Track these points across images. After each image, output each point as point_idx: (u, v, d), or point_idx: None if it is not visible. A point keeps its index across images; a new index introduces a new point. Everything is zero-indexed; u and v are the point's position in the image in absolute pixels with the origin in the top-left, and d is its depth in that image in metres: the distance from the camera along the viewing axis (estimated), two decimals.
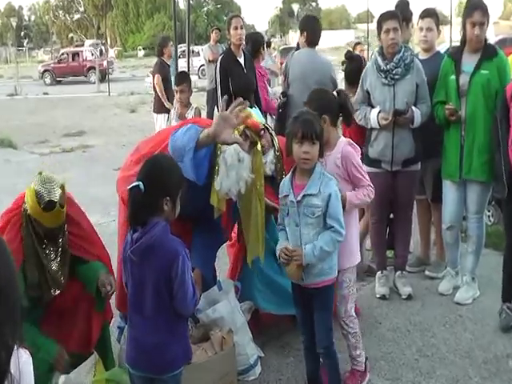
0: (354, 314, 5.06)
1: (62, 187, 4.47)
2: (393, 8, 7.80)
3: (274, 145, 5.70)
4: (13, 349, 2.49)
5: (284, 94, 8.13)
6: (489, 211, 8.07)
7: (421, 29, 6.97)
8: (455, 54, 6.43)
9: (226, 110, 4.79)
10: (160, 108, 12.25)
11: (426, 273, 7.28)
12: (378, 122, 6.30)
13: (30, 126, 22.06)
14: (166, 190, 3.88)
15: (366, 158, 6.32)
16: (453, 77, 6.30)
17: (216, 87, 8.68)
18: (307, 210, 4.50)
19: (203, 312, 5.27)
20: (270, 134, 5.74)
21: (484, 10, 6.14)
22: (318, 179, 4.52)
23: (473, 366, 5.37)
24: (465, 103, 6.22)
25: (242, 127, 4.95)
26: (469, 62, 6.25)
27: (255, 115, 5.27)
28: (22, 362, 2.52)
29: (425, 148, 6.53)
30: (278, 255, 4.65)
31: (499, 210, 7.54)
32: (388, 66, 6.32)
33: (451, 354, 5.58)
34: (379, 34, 6.42)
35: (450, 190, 6.55)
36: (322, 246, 4.45)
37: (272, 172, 5.69)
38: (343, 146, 5.00)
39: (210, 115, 15.45)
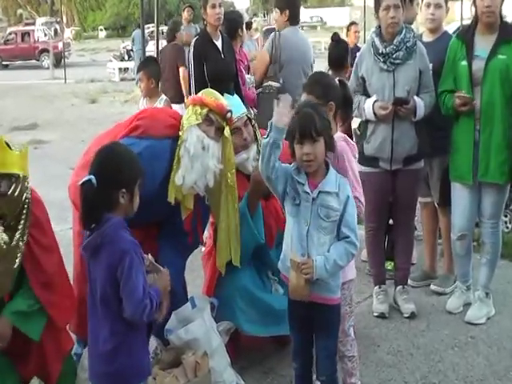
0: (352, 335, 5.06)
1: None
2: None
3: (257, 139, 5.72)
4: None
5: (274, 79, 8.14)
6: (505, 216, 8.07)
7: (427, 5, 6.87)
8: (466, 35, 6.33)
9: None
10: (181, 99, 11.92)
11: (432, 287, 7.28)
12: (375, 113, 6.26)
13: None
14: (121, 182, 3.92)
15: (360, 157, 6.13)
16: (464, 62, 6.22)
17: (189, 72, 8.66)
18: (322, 210, 4.33)
19: (174, 333, 5.26)
20: (253, 126, 5.76)
21: None
22: (335, 178, 4.42)
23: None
24: (479, 93, 6.14)
25: (205, 111, 5.10)
26: (482, 44, 6.18)
27: (220, 97, 5.32)
28: None
29: (430, 144, 6.51)
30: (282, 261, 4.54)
31: None
32: (387, 49, 6.26)
33: (461, 382, 5.59)
34: (377, 11, 6.33)
35: (460, 193, 6.49)
36: (335, 259, 4.31)
37: (254, 169, 5.70)
38: (339, 142, 4.87)
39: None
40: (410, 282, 7.15)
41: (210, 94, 5.28)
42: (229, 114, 5.23)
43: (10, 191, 4.48)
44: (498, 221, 6.55)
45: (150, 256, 4.26)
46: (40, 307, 4.69)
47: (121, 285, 3.84)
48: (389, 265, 7.42)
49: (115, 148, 4.25)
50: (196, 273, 6.21)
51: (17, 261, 4.61)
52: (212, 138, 5.15)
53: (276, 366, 5.83)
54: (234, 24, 9.85)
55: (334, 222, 4.35)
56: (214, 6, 8.55)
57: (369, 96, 6.36)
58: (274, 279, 5.91)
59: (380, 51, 6.29)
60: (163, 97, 8.80)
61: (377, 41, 6.34)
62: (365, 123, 6.49)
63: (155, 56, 12.30)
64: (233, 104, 5.76)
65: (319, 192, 4.33)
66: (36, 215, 4.73)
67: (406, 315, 6.67)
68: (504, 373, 5.68)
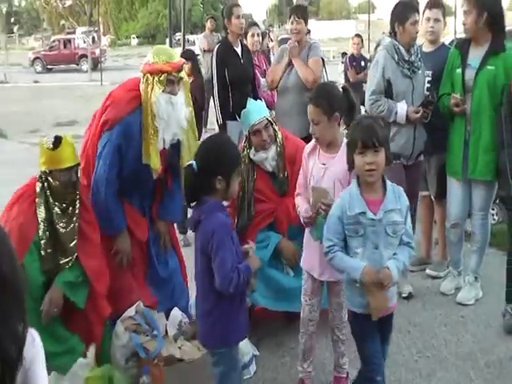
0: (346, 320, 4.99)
1: (66, 137, 4.86)
2: None
3: (276, 140, 5.73)
4: (23, 341, 2.64)
5: None
6: (493, 210, 8.05)
7: (428, 19, 6.89)
8: (462, 46, 6.40)
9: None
10: None
11: (428, 272, 7.27)
12: (407, 117, 6.29)
13: (20, 115, 22.01)
14: (218, 170, 3.98)
15: None
16: (459, 70, 6.29)
17: (212, 77, 8.65)
18: (389, 228, 4.07)
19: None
20: (274, 128, 5.76)
21: (469, 2, 6.15)
22: (393, 192, 4.18)
23: (475, 369, 5.36)
24: (470, 99, 6.19)
25: (164, 76, 5.04)
26: (475, 55, 6.23)
27: (169, 53, 5.21)
28: (34, 345, 2.73)
29: (429, 143, 6.59)
30: (357, 279, 4.08)
31: (504, 208, 7.52)
32: (412, 58, 6.33)
33: (452, 356, 5.58)
34: (403, 24, 6.33)
35: (454, 187, 6.55)
36: (404, 261, 4.16)
37: (273, 168, 5.73)
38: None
39: (206, 106, 15.47)
40: (409, 267, 7.08)
41: (161, 56, 5.08)
42: (184, 65, 5.26)
43: (77, 178, 4.87)
44: (486, 213, 6.55)
45: (251, 243, 4.35)
46: (84, 279, 4.87)
47: (212, 258, 3.94)
48: None
49: (217, 140, 4.40)
50: None
51: (74, 242, 4.86)
52: (176, 91, 5.14)
53: (287, 340, 5.83)
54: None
55: (400, 235, 4.15)
56: (238, 17, 8.53)
57: (391, 98, 6.36)
58: (286, 263, 5.91)
59: (406, 58, 6.32)
60: None
61: (402, 49, 6.33)
62: (387, 124, 6.38)
63: None
64: (255, 108, 5.83)
65: (385, 211, 4.06)
66: (81, 196, 4.95)
67: (404, 295, 6.64)
68: (490, 348, 5.68)
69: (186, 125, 5.29)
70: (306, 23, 8.07)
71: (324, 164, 4.66)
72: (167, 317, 5.27)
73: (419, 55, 6.43)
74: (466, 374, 5.30)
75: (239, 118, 6.12)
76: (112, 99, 5.37)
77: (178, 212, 5.75)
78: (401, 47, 6.34)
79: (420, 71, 6.44)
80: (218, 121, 8.41)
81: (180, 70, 5.17)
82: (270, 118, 5.84)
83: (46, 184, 4.78)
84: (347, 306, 4.53)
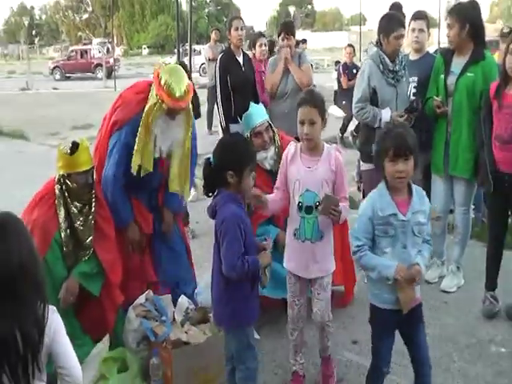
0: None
1: (81, 140, 4.85)
2: (386, 10, 7.78)
3: (275, 142, 5.78)
4: (43, 324, 2.85)
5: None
6: (474, 204, 8.04)
7: (413, 30, 6.96)
8: (446, 55, 6.45)
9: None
10: None
11: None
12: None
13: (41, 118, 22.02)
14: (229, 165, 4.04)
15: (367, 157, 6.41)
16: (442, 76, 6.36)
17: (215, 84, 8.66)
18: (415, 228, 4.01)
19: (203, 295, 5.28)
20: (273, 131, 5.82)
21: (453, 14, 6.24)
22: (417, 193, 4.10)
23: (456, 351, 5.37)
24: (451, 102, 6.26)
25: (165, 107, 4.98)
26: (457, 63, 6.29)
27: (176, 91, 5.00)
28: (54, 321, 2.95)
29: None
30: (389, 277, 3.97)
31: (484, 203, 7.51)
32: (397, 67, 6.31)
33: (436, 339, 5.56)
34: (387, 36, 6.30)
35: (438, 183, 6.60)
36: (427, 257, 4.13)
37: (271, 167, 5.78)
38: (334, 151, 4.66)
39: (211, 111, 15.46)
40: None
41: (171, 87, 4.94)
42: (184, 108, 5.07)
43: (93, 180, 4.91)
44: (467, 208, 6.59)
45: (269, 240, 4.44)
46: (98, 270, 4.91)
47: (220, 245, 4.03)
48: None
49: (232, 138, 4.64)
50: None
51: (90, 237, 4.90)
52: (173, 117, 5.13)
53: (285, 324, 5.76)
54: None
55: (424, 234, 4.10)
56: (236, 29, 8.54)
57: (376, 106, 6.35)
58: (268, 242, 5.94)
59: (391, 68, 6.30)
60: None
61: (387, 59, 6.31)
62: (369, 129, 6.42)
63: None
64: (257, 111, 5.91)
65: (412, 213, 3.98)
66: (97, 194, 4.99)
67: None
68: (471, 331, 5.70)
69: (182, 145, 5.31)
70: (294, 37, 8.41)
71: (309, 167, 4.58)
72: (175, 304, 5.27)
73: (403, 64, 6.42)
74: (448, 355, 5.31)
75: (241, 120, 6.13)
76: (122, 101, 5.39)
77: (179, 204, 5.76)
78: (386, 57, 6.31)
79: (404, 79, 6.45)
80: (221, 124, 8.43)
81: (186, 108, 5.12)
82: (269, 121, 5.87)
83: (64, 186, 4.80)
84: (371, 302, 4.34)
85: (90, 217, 4.91)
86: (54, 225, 4.76)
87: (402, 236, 3.98)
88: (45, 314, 2.89)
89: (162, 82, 4.94)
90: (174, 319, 5.12)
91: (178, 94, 4.92)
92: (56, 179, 4.84)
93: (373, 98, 6.34)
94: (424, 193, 4.17)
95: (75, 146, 4.72)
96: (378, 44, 6.43)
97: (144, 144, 5.09)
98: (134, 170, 5.13)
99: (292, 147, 4.73)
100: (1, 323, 2.75)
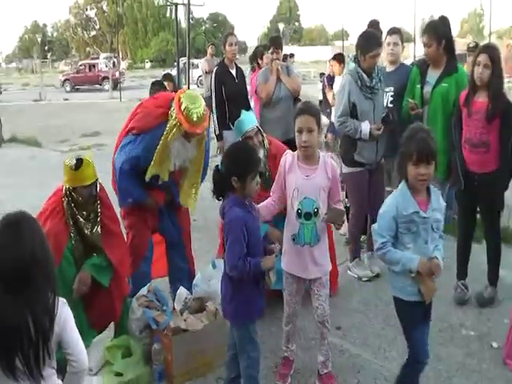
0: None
1: (86, 156, 4.84)
2: (365, 27, 7.81)
3: (264, 145, 5.82)
4: (54, 313, 2.90)
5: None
6: (446, 202, 8.07)
7: (388, 44, 7.01)
8: (422, 66, 6.52)
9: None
10: None
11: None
12: (370, 134, 6.28)
13: (53, 127, 21.96)
14: (233, 171, 3.96)
15: (349, 162, 6.49)
16: (418, 86, 6.42)
17: (211, 94, 8.69)
18: (434, 224, 3.97)
19: (200, 286, 5.29)
20: (262, 135, 5.85)
21: (430, 33, 6.26)
22: (434, 192, 4.05)
23: (430, 334, 5.35)
24: (427, 111, 6.33)
25: (183, 130, 5.09)
26: (432, 74, 6.36)
27: (196, 120, 5.11)
28: (64, 312, 3.00)
29: (393, 146, 6.52)
30: (412, 270, 3.92)
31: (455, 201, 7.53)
32: (373, 82, 6.31)
33: None
34: (364, 54, 6.27)
35: None
36: (442, 251, 4.05)
37: (260, 168, 5.79)
38: (328, 159, 4.57)
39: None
40: None
41: (190, 113, 5.04)
42: (199, 133, 5.19)
43: (96, 192, 4.89)
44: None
45: (277, 245, 4.41)
46: (108, 264, 4.91)
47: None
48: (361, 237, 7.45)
49: (238, 145, 4.48)
50: (216, 241, 6.16)
51: (99, 242, 4.93)
52: (190, 140, 5.25)
53: (275, 312, 5.77)
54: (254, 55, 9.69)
55: (440, 230, 4.06)
56: (230, 45, 8.62)
57: (356, 117, 6.35)
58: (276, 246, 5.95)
59: (368, 84, 6.30)
60: None
61: (364, 76, 6.30)
62: (349, 139, 6.45)
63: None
64: (248, 118, 5.92)
65: (431, 211, 3.94)
66: (102, 197, 4.99)
67: (373, 274, 6.69)
68: (443, 316, 5.72)
69: (194, 163, 5.46)
70: (281, 50, 8.55)
71: (307, 176, 4.46)
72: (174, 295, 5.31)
73: (379, 76, 6.41)
74: None
75: (233, 127, 6.18)
76: (142, 109, 5.45)
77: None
78: (363, 73, 6.31)
79: (380, 91, 6.44)
80: (215, 131, 8.46)
81: (202, 133, 5.26)
82: (258, 126, 5.89)
83: (71, 199, 4.81)
84: (396, 296, 4.19)
85: (97, 223, 4.93)
86: (65, 235, 4.77)
87: (423, 232, 3.94)
88: (55, 304, 2.94)
89: (183, 107, 5.02)
90: (173, 308, 5.14)
91: (195, 120, 5.02)
92: (63, 191, 4.85)
93: (352, 111, 6.36)
94: (439, 192, 4.14)
95: (79, 162, 4.70)
96: (356, 60, 6.43)
97: (161, 159, 5.19)
98: (147, 178, 5.25)
99: (289, 156, 4.61)
100: (14, 310, 2.79)
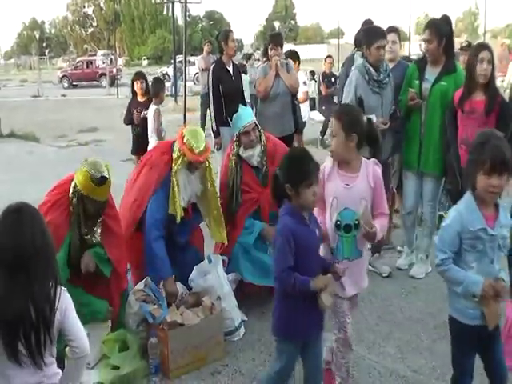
0: None
1: (107, 166, 4.76)
2: (360, 26, 7.80)
3: (261, 140, 5.80)
4: (54, 300, 2.98)
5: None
6: (441, 200, 8.09)
7: (386, 42, 6.93)
8: (420, 63, 6.48)
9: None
10: None
11: (398, 248, 7.37)
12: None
13: (51, 122, 21.99)
14: (286, 178, 3.69)
15: None
16: (417, 81, 6.35)
17: (208, 91, 8.67)
18: (502, 242, 3.60)
19: (196, 281, 5.29)
20: (259, 131, 5.83)
21: (432, 29, 6.20)
22: (502, 206, 3.65)
23: (424, 330, 5.38)
24: (425, 107, 6.27)
25: (186, 160, 5.24)
26: (431, 72, 6.31)
27: (197, 147, 5.25)
28: (65, 300, 3.07)
29: (393, 145, 6.61)
30: (477, 292, 3.52)
31: (449, 199, 7.53)
32: (381, 76, 6.24)
33: (406, 320, 5.60)
34: (369, 47, 6.23)
35: (409, 182, 6.62)
36: (508, 272, 3.73)
37: (258, 163, 5.80)
38: (372, 166, 4.16)
39: (203, 116, 15.45)
40: None
41: (193, 144, 5.22)
42: (202, 161, 5.29)
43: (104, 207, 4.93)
44: (434, 203, 6.64)
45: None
46: (108, 258, 4.94)
47: None
48: None
49: (293, 152, 4.19)
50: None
51: (97, 239, 4.96)
52: (193, 171, 5.37)
53: (270, 308, 5.64)
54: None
55: (506, 248, 3.69)
56: (233, 41, 8.66)
57: (363, 112, 6.22)
58: (270, 245, 5.95)
59: (375, 78, 6.23)
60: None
61: (371, 69, 6.22)
62: None
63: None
64: (245, 113, 5.95)
65: (499, 228, 3.56)
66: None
67: (385, 275, 6.64)
68: (437, 313, 5.69)
69: (207, 199, 5.52)
70: (281, 48, 8.45)
71: (347, 184, 4.05)
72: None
73: (387, 72, 6.34)
74: (417, 335, 5.33)
75: (231, 122, 6.16)
76: (151, 164, 5.55)
77: None
78: (370, 68, 6.23)
79: (388, 86, 6.36)
80: (212, 127, 8.45)
81: (204, 161, 5.34)
82: (256, 122, 5.87)
83: (81, 204, 4.76)
84: (454, 317, 3.82)
85: (95, 228, 4.94)
86: (64, 229, 4.74)
87: (489, 251, 3.56)
88: (56, 292, 3.01)
89: (185, 140, 5.23)
90: (169, 303, 5.13)
91: (197, 151, 5.20)
92: (72, 189, 4.77)
93: (359, 106, 6.21)
94: (508, 206, 3.82)
95: (104, 180, 4.65)
96: (363, 56, 6.39)
97: (174, 194, 5.28)
98: (170, 211, 5.30)
99: (329, 163, 4.17)
100: (16, 296, 2.88)
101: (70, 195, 4.78)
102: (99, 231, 4.94)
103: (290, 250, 3.62)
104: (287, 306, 3.78)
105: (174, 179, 5.25)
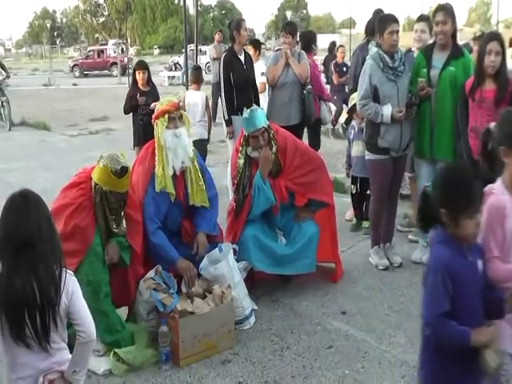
0: None
1: (123, 155, 4.79)
2: (370, 15, 7.78)
3: (272, 142, 5.70)
4: (59, 283, 3.01)
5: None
6: None
7: (416, 30, 7.09)
8: (426, 51, 6.37)
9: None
10: None
11: (409, 237, 7.27)
12: (392, 117, 6.12)
13: (62, 111, 21.99)
14: (441, 201, 2.93)
15: (373, 148, 6.33)
16: (424, 70, 6.25)
17: (219, 81, 8.64)
18: None
19: (207, 270, 5.29)
20: (269, 133, 5.71)
21: (447, 11, 6.11)
22: None
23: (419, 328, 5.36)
24: (434, 94, 6.17)
25: (166, 116, 5.30)
26: (438, 58, 6.20)
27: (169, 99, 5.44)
28: (71, 284, 3.09)
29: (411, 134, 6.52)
30: None
31: None
32: (396, 63, 6.17)
33: (417, 311, 5.50)
34: (381, 34, 6.17)
35: (422, 169, 6.51)
36: None
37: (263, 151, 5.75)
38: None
39: (215, 105, 15.44)
40: (399, 227, 7.41)
41: (162, 103, 5.43)
42: (181, 104, 5.46)
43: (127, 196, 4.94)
44: None
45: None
46: (129, 244, 5.01)
47: None
48: (366, 223, 7.44)
49: (454, 170, 3.13)
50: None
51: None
52: (178, 125, 5.34)
53: (281, 297, 5.83)
54: (308, 40, 9.54)
55: None
56: (245, 30, 8.60)
57: (378, 101, 6.21)
58: (280, 233, 5.97)
59: (390, 65, 6.15)
60: None
61: (386, 57, 6.15)
62: (377, 125, 6.25)
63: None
64: (256, 117, 5.74)
65: None
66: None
67: (396, 265, 6.59)
68: None
69: (192, 153, 5.41)
70: (293, 36, 8.35)
71: None
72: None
73: (402, 60, 6.25)
74: None
75: (241, 114, 6.05)
76: (139, 160, 5.56)
77: (210, 226, 5.63)
78: (385, 55, 6.16)
79: (404, 75, 6.25)
80: (224, 116, 8.42)
81: (178, 107, 5.38)
82: (266, 126, 5.76)
83: (105, 200, 4.76)
84: None
85: (122, 218, 4.96)
86: (92, 229, 4.75)
87: None
88: (61, 276, 3.04)
89: (157, 108, 5.49)
90: (180, 291, 5.14)
91: (171, 101, 5.44)
92: (94, 189, 4.77)
93: (375, 95, 6.20)
94: None
95: (124, 171, 4.67)
96: (378, 44, 6.34)
97: (160, 161, 5.29)
98: (157, 189, 5.27)
99: (502, 196, 3.22)
100: (21, 276, 2.92)
101: (92, 195, 4.78)
102: (124, 223, 4.97)
103: (445, 292, 2.88)
104: (440, 362, 3.00)
105: (161, 142, 5.27)
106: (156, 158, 5.30)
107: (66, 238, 4.35)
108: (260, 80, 9.59)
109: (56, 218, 4.19)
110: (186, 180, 5.46)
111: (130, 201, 5.01)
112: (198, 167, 5.51)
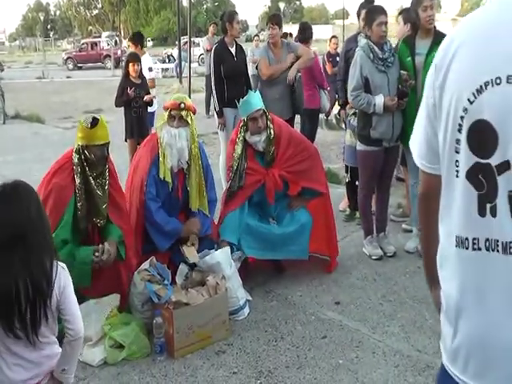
0: None
1: (100, 116, 4.92)
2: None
3: (268, 126, 5.75)
4: (51, 275, 2.97)
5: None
6: None
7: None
8: (408, 40, 6.37)
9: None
10: None
11: (403, 226, 7.29)
12: (384, 108, 6.13)
13: (55, 104, 21.98)
14: None
15: (365, 139, 6.33)
16: (409, 58, 6.26)
17: (210, 72, 8.65)
18: None
19: (203, 259, 5.29)
20: (267, 117, 5.78)
21: None
22: None
23: (428, 310, 5.36)
24: (420, 80, 6.10)
25: (167, 112, 5.39)
26: (422, 45, 6.18)
27: (177, 98, 5.47)
28: (63, 277, 3.05)
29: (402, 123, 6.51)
30: None
31: None
32: (386, 54, 6.18)
33: (410, 300, 5.58)
34: (370, 25, 6.19)
35: (411, 157, 6.46)
36: None
37: (263, 149, 5.79)
38: None
39: (209, 96, 15.42)
40: (392, 217, 7.46)
41: (171, 99, 5.48)
42: (182, 105, 5.34)
43: (108, 154, 4.96)
44: None
45: None
46: (123, 239, 5.02)
47: None
48: (357, 213, 7.46)
49: None
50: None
51: (105, 204, 4.97)
52: (176, 126, 5.36)
53: (275, 287, 5.83)
54: (306, 32, 9.67)
55: None
56: (238, 22, 8.60)
57: (370, 92, 6.21)
58: (273, 222, 6.02)
59: (380, 56, 6.15)
60: None
61: (375, 48, 6.17)
62: (368, 115, 6.26)
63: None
64: (254, 99, 5.85)
65: None
66: (110, 168, 5.04)
67: (390, 254, 6.59)
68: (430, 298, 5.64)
69: (187, 158, 5.43)
70: (279, 27, 8.36)
71: None
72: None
73: (392, 51, 6.27)
74: (421, 314, 5.30)
75: (233, 105, 6.10)
76: (146, 143, 5.65)
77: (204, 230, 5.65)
78: (374, 46, 6.17)
79: (393, 66, 6.25)
80: (215, 107, 8.44)
81: (179, 108, 5.35)
82: (263, 109, 5.84)
83: (83, 156, 4.83)
84: None
85: (106, 187, 4.96)
86: (70, 190, 4.80)
87: None
88: (53, 268, 3.00)
89: (166, 104, 5.52)
90: (175, 282, 5.15)
91: (176, 100, 5.40)
92: (75, 149, 4.89)
93: (366, 86, 6.21)
94: None
95: (95, 121, 4.79)
96: (367, 36, 6.33)
97: (162, 153, 5.36)
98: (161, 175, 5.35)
99: None
100: (12, 267, 2.87)
101: (72, 156, 4.87)
102: (107, 184, 4.97)
103: None
104: None
105: (160, 135, 5.36)
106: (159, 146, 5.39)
107: (47, 197, 4.59)
108: (147, 76, 9.74)
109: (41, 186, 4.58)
110: (187, 183, 5.51)
111: (114, 183, 5.07)
112: (201, 166, 5.54)
